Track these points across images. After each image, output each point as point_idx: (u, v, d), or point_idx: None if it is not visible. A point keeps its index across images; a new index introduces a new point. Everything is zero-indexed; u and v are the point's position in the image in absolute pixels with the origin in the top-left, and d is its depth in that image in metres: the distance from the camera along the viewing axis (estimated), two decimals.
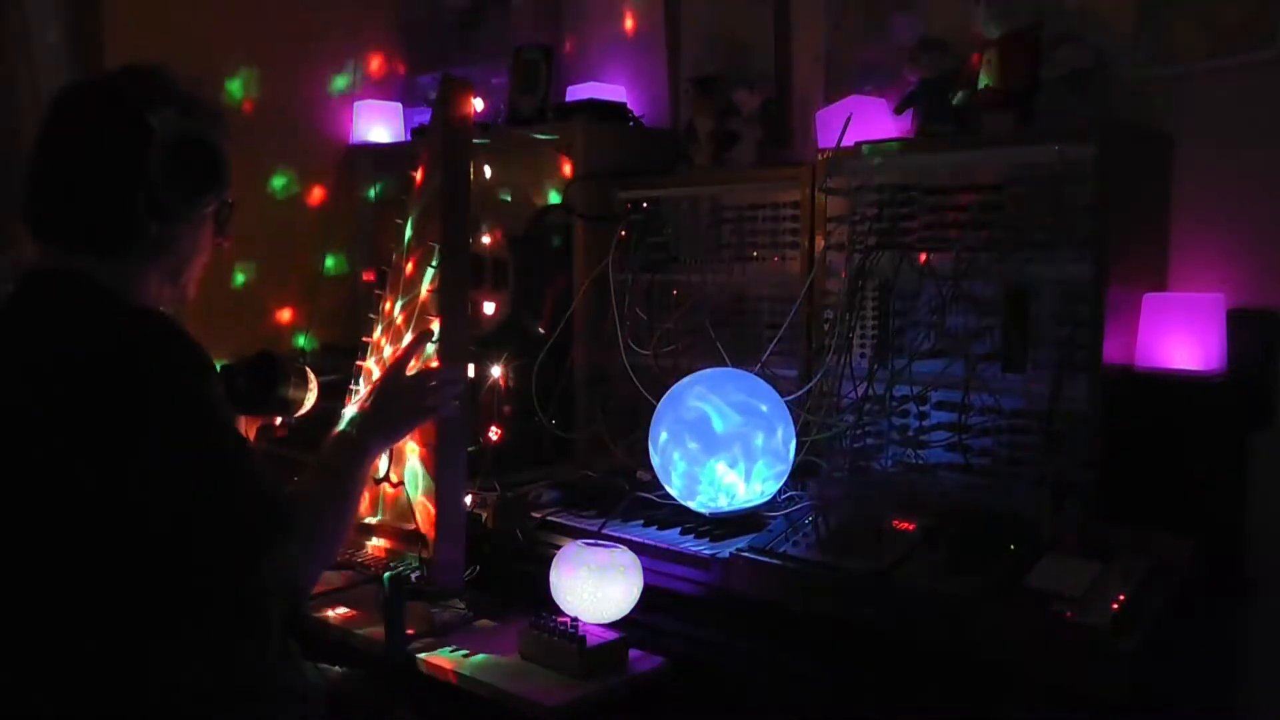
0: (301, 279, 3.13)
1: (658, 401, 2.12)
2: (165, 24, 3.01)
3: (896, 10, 2.30)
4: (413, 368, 1.84)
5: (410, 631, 1.90)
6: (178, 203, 1.42)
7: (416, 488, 1.90)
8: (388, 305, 2.01)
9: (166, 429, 1.32)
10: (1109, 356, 1.78)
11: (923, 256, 1.94)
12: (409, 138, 3.18)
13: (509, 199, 2.74)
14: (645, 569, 1.90)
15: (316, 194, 3.16)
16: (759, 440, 1.97)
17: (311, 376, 1.93)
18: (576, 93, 2.76)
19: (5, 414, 1.35)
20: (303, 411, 1.91)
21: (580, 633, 1.78)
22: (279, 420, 1.98)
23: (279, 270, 3.06)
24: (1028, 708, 1.52)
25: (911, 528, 1.83)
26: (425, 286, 1.90)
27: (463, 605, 2.03)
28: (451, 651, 1.86)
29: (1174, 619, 1.54)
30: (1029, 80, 1.96)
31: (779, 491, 2.04)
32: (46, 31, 2.89)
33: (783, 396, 2.06)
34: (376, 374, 1.93)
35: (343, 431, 1.74)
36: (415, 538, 1.89)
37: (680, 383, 2.10)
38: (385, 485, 1.94)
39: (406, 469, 1.92)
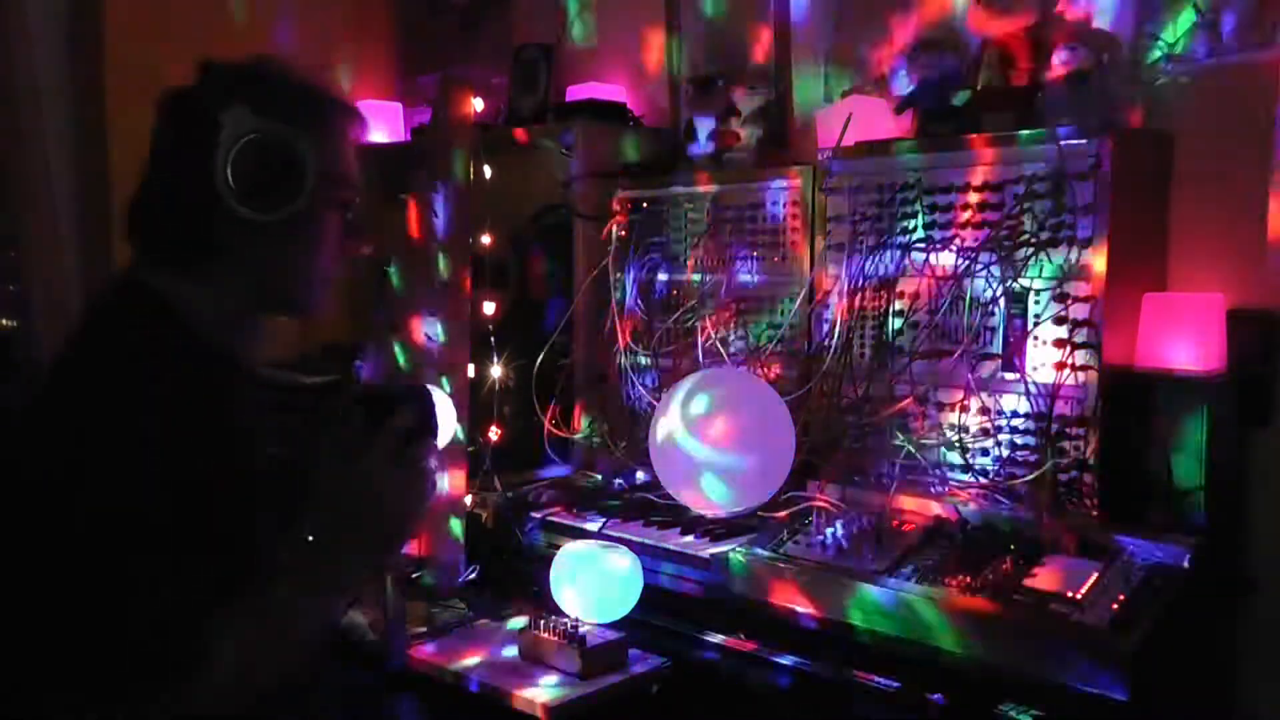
0: None
1: (658, 401, 2.12)
2: (165, 24, 3.01)
3: (896, 10, 2.30)
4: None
5: (410, 631, 1.90)
6: (249, 209, 1.29)
7: None
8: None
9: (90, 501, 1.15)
10: (1109, 356, 1.78)
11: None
12: (409, 138, 3.18)
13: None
14: (645, 569, 1.90)
15: None
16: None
17: (440, 399, 1.60)
18: (576, 93, 2.76)
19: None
20: (439, 446, 1.60)
21: (580, 633, 1.78)
22: None
23: None
24: (1028, 708, 1.52)
25: (911, 528, 1.84)
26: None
27: (463, 605, 2.04)
28: (451, 651, 1.86)
29: (1174, 619, 1.54)
30: (1029, 80, 1.96)
31: (779, 491, 2.03)
32: (47, 31, 2.89)
33: (783, 397, 2.06)
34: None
35: (303, 542, 1.25)
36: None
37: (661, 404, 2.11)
38: None
39: None
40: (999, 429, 1.89)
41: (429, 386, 1.52)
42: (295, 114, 1.33)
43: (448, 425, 1.79)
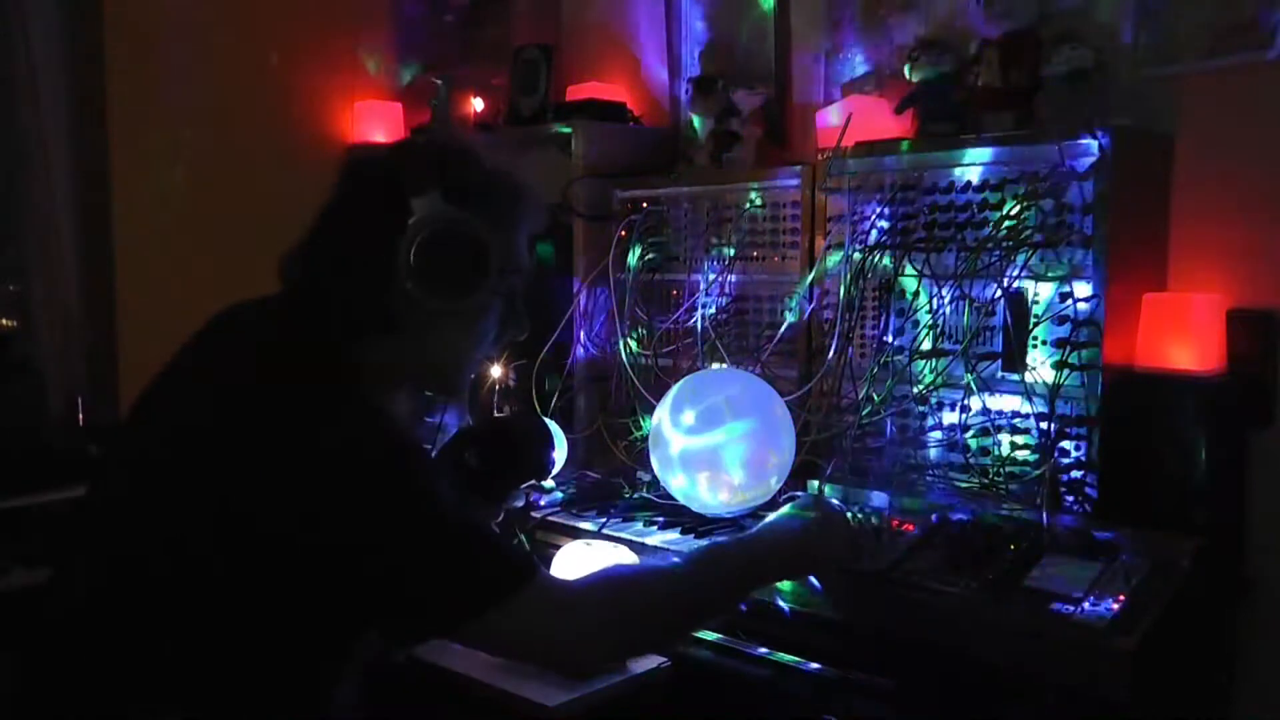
0: None
1: (657, 401, 2.12)
2: (164, 25, 3.01)
3: (896, 10, 2.30)
4: None
5: None
6: (427, 296, 1.33)
7: None
8: None
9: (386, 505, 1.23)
10: (1109, 356, 1.78)
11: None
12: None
13: None
14: None
15: (316, 196, 3.15)
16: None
17: (555, 430, 1.85)
18: (576, 93, 2.76)
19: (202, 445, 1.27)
20: (556, 471, 1.88)
21: None
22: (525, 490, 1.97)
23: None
24: (1028, 707, 1.52)
25: (911, 528, 1.83)
26: None
27: None
28: (451, 651, 1.86)
29: (1174, 619, 1.54)
30: (1029, 80, 1.96)
31: (779, 491, 2.03)
32: (46, 32, 2.89)
33: (783, 396, 2.06)
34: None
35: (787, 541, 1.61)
36: None
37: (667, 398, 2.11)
38: None
39: None
40: (999, 429, 1.89)
41: (546, 420, 1.79)
42: (484, 206, 1.37)
43: (562, 453, 2.04)
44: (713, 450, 1.96)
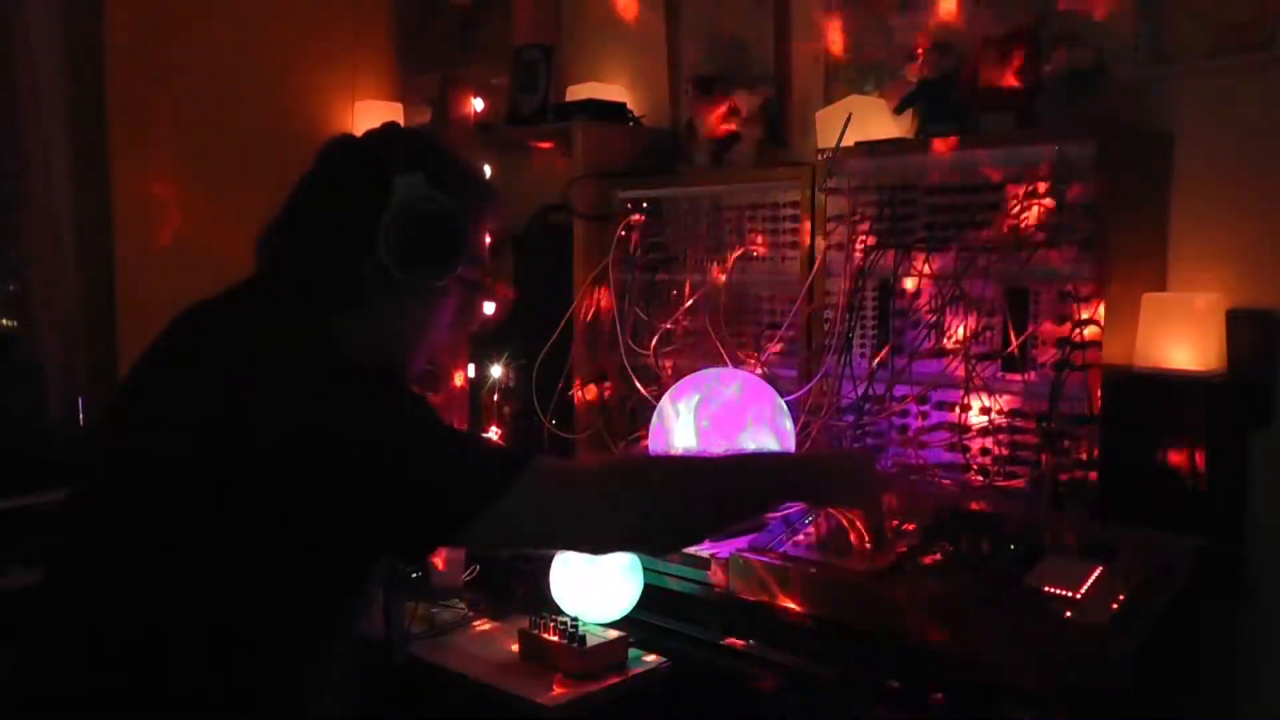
0: None
1: (657, 401, 2.12)
2: (165, 25, 3.01)
3: (896, 10, 2.30)
4: None
5: (410, 631, 1.90)
6: (402, 271, 1.34)
7: None
8: None
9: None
10: (1109, 356, 1.78)
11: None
12: None
13: None
14: (645, 569, 1.90)
15: None
16: None
17: None
18: (576, 93, 2.76)
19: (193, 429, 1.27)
20: None
21: (580, 633, 1.78)
22: None
23: None
24: (1028, 708, 1.52)
25: (911, 528, 1.83)
26: None
27: (463, 605, 2.04)
28: (451, 651, 1.86)
29: (1174, 619, 1.54)
30: (1029, 80, 1.96)
31: None
32: (47, 32, 2.89)
33: (783, 396, 2.06)
34: None
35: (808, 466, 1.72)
36: None
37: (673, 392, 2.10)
38: None
39: None
40: (999, 429, 1.89)
41: None
42: (461, 191, 1.40)
43: None
44: (713, 450, 1.96)
